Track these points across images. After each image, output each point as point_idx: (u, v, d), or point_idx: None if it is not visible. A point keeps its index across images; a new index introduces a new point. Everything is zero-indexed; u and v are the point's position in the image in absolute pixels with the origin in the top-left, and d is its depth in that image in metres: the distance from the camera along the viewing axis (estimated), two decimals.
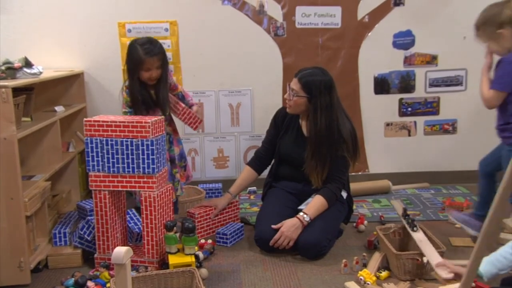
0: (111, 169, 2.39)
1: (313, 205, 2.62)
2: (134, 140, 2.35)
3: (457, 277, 2.01)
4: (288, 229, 2.55)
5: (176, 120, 2.98)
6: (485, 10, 2.45)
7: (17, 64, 2.51)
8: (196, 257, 2.41)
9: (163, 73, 2.76)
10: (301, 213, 2.60)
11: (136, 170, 2.37)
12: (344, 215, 2.82)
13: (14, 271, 2.29)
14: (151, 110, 2.78)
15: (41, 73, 2.63)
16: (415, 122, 3.78)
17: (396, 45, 3.66)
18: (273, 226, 2.58)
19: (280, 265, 2.52)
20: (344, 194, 2.78)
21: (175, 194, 2.90)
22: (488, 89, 2.42)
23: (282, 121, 2.85)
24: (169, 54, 3.40)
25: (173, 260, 2.33)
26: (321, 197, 2.63)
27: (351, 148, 2.65)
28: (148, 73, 2.69)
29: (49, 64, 3.32)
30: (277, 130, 2.87)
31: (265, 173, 3.02)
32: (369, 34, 3.64)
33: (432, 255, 2.20)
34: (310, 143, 2.65)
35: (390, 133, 3.79)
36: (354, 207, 2.97)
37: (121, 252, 1.78)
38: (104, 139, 2.37)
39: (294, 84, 2.67)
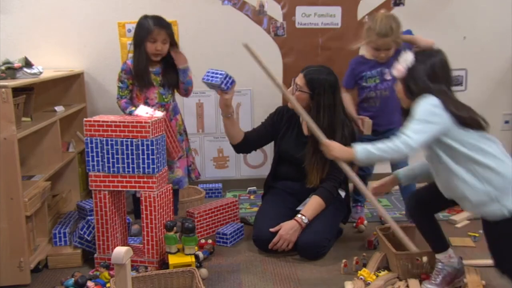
0: (111, 169, 2.39)
1: (311, 206, 2.62)
2: (134, 140, 2.35)
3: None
4: (287, 232, 2.55)
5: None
6: (393, 18, 2.82)
7: (17, 64, 2.51)
8: (196, 257, 2.41)
9: (169, 51, 2.81)
10: (299, 215, 2.60)
11: (136, 170, 2.37)
12: (343, 214, 2.82)
13: (14, 271, 2.29)
14: (146, 88, 2.81)
15: (41, 73, 2.63)
16: None
17: None
18: (271, 230, 2.58)
19: (280, 265, 2.53)
20: (342, 194, 2.78)
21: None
22: None
23: (280, 120, 2.84)
24: None
25: (173, 260, 2.33)
26: (318, 197, 2.63)
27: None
28: (154, 45, 2.74)
29: (49, 64, 3.32)
30: (273, 127, 2.85)
31: (266, 172, 3.02)
32: None
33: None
34: (311, 141, 2.65)
35: None
36: None
37: (121, 252, 1.78)
38: (104, 139, 2.37)
39: (299, 79, 2.68)
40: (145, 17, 2.80)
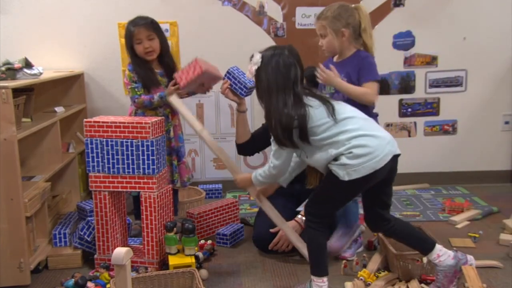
0: (111, 170, 2.39)
1: None
2: (134, 141, 2.35)
3: None
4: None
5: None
6: (339, 7, 2.42)
7: (17, 65, 2.52)
8: (196, 257, 2.41)
9: (162, 46, 2.77)
10: (299, 216, 2.60)
11: (136, 171, 2.37)
12: None
13: (14, 271, 2.29)
14: (154, 88, 2.76)
15: (41, 73, 2.64)
16: (415, 123, 3.78)
17: (396, 46, 3.66)
18: (271, 230, 2.58)
19: (280, 265, 2.52)
20: None
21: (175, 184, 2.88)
22: (366, 84, 2.35)
23: None
24: None
25: (173, 261, 2.33)
26: None
27: None
28: (141, 46, 2.71)
29: (49, 64, 3.32)
30: None
31: None
32: None
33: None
34: None
35: (390, 133, 3.78)
36: None
37: (121, 253, 1.78)
38: (104, 139, 2.37)
39: None
40: (128, 23, 2.77)
